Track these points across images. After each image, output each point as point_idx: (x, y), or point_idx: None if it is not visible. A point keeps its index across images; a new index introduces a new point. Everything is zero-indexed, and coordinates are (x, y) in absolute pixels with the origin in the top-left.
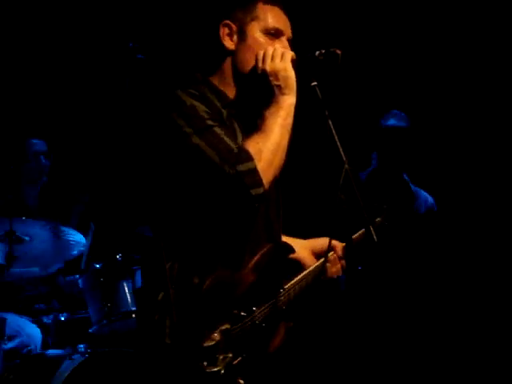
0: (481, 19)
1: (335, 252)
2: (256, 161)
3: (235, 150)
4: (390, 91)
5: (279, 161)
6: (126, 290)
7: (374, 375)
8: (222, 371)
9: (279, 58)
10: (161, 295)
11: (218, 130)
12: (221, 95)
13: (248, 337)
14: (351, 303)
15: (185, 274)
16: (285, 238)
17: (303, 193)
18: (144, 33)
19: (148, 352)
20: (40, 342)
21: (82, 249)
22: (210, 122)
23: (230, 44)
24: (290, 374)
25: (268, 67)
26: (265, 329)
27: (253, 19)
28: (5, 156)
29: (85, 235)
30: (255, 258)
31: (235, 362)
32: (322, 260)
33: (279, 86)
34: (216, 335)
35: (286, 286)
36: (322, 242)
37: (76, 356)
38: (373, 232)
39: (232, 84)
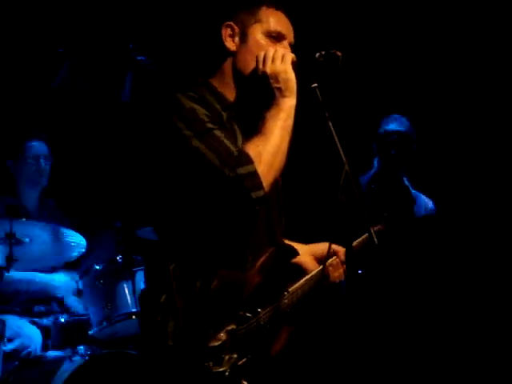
0: (481, 22)
1: (338, 257)
2: (256, 164)
3: (235, 153)
4: (390, 92)
5: (279, 163)
6: (127, 292)
7: (374, 378)
8: (228, 371)
9: (280, 60)
10: (163, 297)
11: (217, 132)
12: (220, 98)
13: (253, 338)
14: (351, 307)
15: (187, 277)
16: (287, 243)
17: (303, 194)
18: (145, 34)
19: (150, 354)
20: (40, 344)
21: (82, 250)
22: (209, 125)
23: (231, 45)
24: (292, 377)
25: (268, 69)
26: (268, 331)
27: (255, 22)
28: (4, 157)
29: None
30: (261, 260)
31: (240, 362)
32: (323, 266)
33: (279, 88)
34: (222, 335)
35: (290, 289)
36: (323, 247)
37: (76, 358)
38: (373, 234)
39: (232, 86)
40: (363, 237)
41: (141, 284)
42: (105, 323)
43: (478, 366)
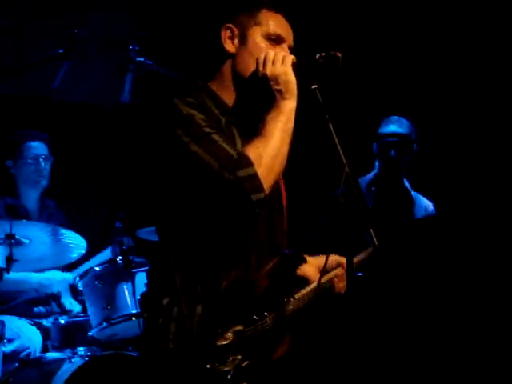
0: (481, 22)
1: (342, 267)
2: (256, 166)
3: (235, 156)
4: (390, 94)
5: (279, 166)
6: (127, 293)
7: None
8: (232, 372)
9: (280, 62)
10: (165, 300)
11: (216, 136)
12: (219, 102)
13: (257, 341)
14: (351, 317)
15: (189, 280)
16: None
17: (303, 195)
18: (145, 35)
19: (151, 356)
20: (40, 345)
21: (82, 251)
22: (207, 130)
23: (230, 47)
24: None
25: (269, 71)
26: (272, 336)
27: (255, 24)
28: (3, 158)
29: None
30: (270, 264)
31: (243, 364)
32: (330, 275)
33: (280, 91)
34: (229, 335)
35: (296, 296)
36: (329, 259)
37: (76, 359)
38: (373, 235)
39: (231, 88)
40: (365, 252)
41: (141, 285)
42: (104, 324)
43: (477, 367)
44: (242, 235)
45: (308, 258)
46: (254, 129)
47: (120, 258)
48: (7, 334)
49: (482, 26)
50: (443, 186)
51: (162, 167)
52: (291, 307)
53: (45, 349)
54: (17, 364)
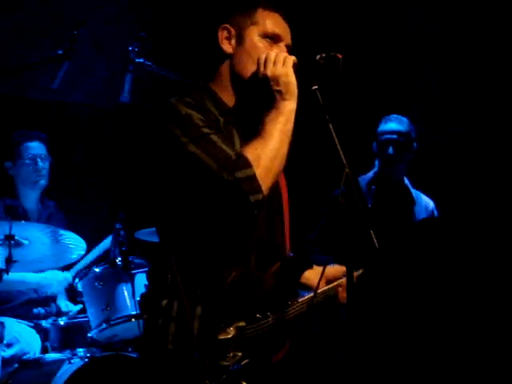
0: (482, 22)
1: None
2: (254, 167)
3: (233, 157)
4: (390, 94)
5: (278, 167)
6: (126, 294)
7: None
8: (231, 368)
9: (281, 63)
10: (165, 301)
11: (214, 137)
12: (219, 103)
13: (258, 341)
14: (351, 327)
15: (188, 280)
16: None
17: (303, 196)
18: (144, 36)
19: (150, 357)
20: (39, 349)
21: (81, 252)
22: (205, 130)
23: (228, 47)
24: None
25: (269, 72)
26: (272, 338)
27: (252, 23)
28: (2, 159)
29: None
30: (278, 264)
31: (243, 362)
32: (334, 284)
33: (280, 92)
34: (232, 329)
35: (300, 300)
36: (334, 270)
37: (75, 360)
38: (373, 236)
39: (230, 89)
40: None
41: (140, 286)
42: (104, 325)
43: (478, 369)
44: (241, 236)
45: (315, 267)
46: (254, 129)
47: (119, 259)
48: (6, 338)
49: (482, 25)
50: (444, 184)
51: (160, 168)
52: (293, 311)
53: (44, 350)
54: (16, 365)
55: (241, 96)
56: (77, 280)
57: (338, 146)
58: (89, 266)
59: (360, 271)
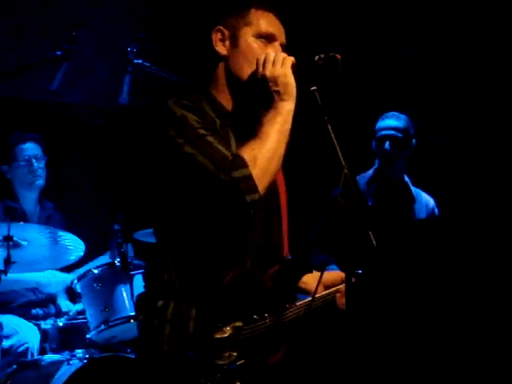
0: (481, 21)
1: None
2: (251, 167)
3: (229, 157)
4: (390, 94)
5: (275, 167)
6: (125, 295)
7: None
8: (225, 367)
9: (280, 64)
10: (160, 302)
11: (210, 138)
12: (216, 105)
13: (254, 342)
14: (350, 334)
15: (183, 282)
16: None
17: (302, 197)
18: (143, 37)
19: (146, 358)
20: (38, 341)
21: (80, 254)
22: (201, 131)
23: (222, 49)
24: None
25: (268, 72)
26: (270, 340)
27: (245, 24)
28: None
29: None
30: (277, 266)
31: (238, 362)
32: (332, 289)
33: (278, 92)
34: (228, 329)
35: (298, 303)
36: (333, 276)
37: (74, 361)
38: (372, 237)
39: (226, 91)
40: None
41: (139, 287)
42: (103, 326)
43: (478, 369)
44: (238, 236)
45: (314, 272)
46: (250, 131)
47: (118, 260)
48: (5, 331)
49: (481, 24)
50: (444, 184)
51: (157, 169)
52: (291, 314)
53: (43, 351)
54: (15, 366)
55: (238, 98)
56: (75, 281)
57: (337, 147)
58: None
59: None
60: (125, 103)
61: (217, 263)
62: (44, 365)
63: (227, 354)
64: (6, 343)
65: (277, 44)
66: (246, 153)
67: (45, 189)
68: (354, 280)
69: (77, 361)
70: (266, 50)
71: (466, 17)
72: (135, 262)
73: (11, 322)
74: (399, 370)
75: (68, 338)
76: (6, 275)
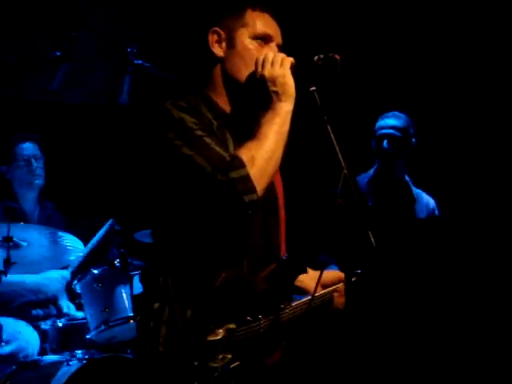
0: (481, 21)
1: (344, 283)
2: (248, 168)
3: (227, 158)
4: (389, 95)
5: (273, 168)
6: (124, 296)
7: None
8: (219, 369)
9: (279, 64)
10: (157, 304)
11: (207, 139)
12: (213, 107)
13: (249, 344)
14: (350, 334)
15: (179, 283)
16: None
17: (302, 197)
18: (143, 37)
19: (143, 359)
20: (38, 347)
21: (79, 254)
22: (199, 133)
23: (218, 51)
24: None
25: (267, 72)
26: (265, 341)
27: (242, 26)
28: None
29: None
30: (271, 267)
31: (233, 365)
32: (330, 289)
33: (277, 93)
34: (221, 331)
35: (293, 304)
36: (330, 274)
37: (74, 362)
38: (371, 237)
39: (223, 92)
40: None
41: (139, 288)
42: (103, 327)
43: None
44: (236, 237)
45: (310, 271)
46: (248, 133)
47: (118, 260)
48: (5, 336)
49: (481, 23)
50: (443, 184)
51: (155, 171)
52: (287, 314)
53: (43, 351)
54: (15, 367)
55: (235, 99)
56: (75, 281)
57: (336, 147)
58: (87, 262)
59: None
60: (125, 103)
61: (214, 265)
62: (44, 365)
63: (221, 356)
64: (6, 349)
65: (273, 45)
66: (244, 153)
67: (44, 189)
68: (354, 279)
69: (76, 361)
70: (262, 51)
71: (467, 17)
72: (135, 262)
73: (11, 326)
74: (399, 369)
75: (68, 338)
76: (6, 276)
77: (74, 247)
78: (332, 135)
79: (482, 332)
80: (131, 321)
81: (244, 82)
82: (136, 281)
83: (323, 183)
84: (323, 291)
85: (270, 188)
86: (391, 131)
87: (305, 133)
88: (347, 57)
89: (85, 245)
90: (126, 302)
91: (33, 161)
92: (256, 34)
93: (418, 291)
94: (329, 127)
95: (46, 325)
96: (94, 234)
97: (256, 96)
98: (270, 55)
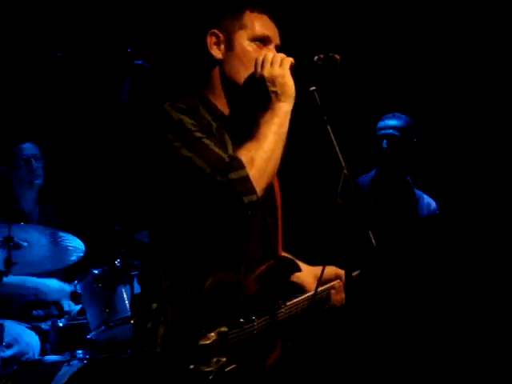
0: (481, 21)
1: (341, 280)
2: (248, 169)
3: (226, 159)
4: (389, 95)
5: (272, 169)
6: (125, 296)
7: None
8: (213, 373)
9: (278, 64)
10: (155, 305)
11: (206, 141)
12: (212, 108)
13: (244, 346)
14: (350, 331)
15: (178, 283)
16: (290, 257)
17: (301, 198)
18: (143, 38)
19: (140, 359)
20: (38, 350)
21: (80, 254)
22: (198, 134)
23: (217, 53)
24: None
25: (266, 72)
26: (261, 342)
27: (240, 27)
28: None
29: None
30: (260, 269)
31: (228, 368)
32: (327, 286)
33: (276, 93)
34: (213, 335)
35: (288, 303)
36: (328, 270)
37: (74, 362)
38: (372, 237)
39: (222, 94)
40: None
41: (140, 288)
42: (103, 327)
43: (478, 368)
44: (235, 238)
45: (306, 267)
46: (247, 134)
47: (119, 260)
48: (6, 339)
49: (481, 24)
50: (443, 184)
51: (154, 172)
52: (282, 314)
53: (43, 352)
54: (16, 367)
55: (233, 102)
56: (76, 282)
57: (336, 147)
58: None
59: (357, 272)
60: (125, 103)
61: (211, 266)
62: (44, 365)
63: (215, 360)
64: (7, 353)
65: (272, 46)
66: (243, 154)
67: (44, 189)
68: (355, 274)
69: (77, 361)
70: (261, 53)
71: (466, 17)
72: (136, 262)
73: (12, 329)
74: (399, 369)
75: (68, 338)
76: (7, 276)
77: (75, 247)
78: (332, 135)
79: (481, 332)
80: (131, 321)
81: (243, 84)
82: (137, 281)
83: (323, 183)
84: (319, 289)
85: (269, 188)
86: (390, 131)
87: (305, 133)
88: (347, 57)
89: (85, 245)
90: (127, 302)
91: (33, 161)
92: (255, 36)
93: (417, 291)
94: (329, 127)
95: (46, 325)
96: (94, 234)
97: (255, 98)
98: (270, 55)
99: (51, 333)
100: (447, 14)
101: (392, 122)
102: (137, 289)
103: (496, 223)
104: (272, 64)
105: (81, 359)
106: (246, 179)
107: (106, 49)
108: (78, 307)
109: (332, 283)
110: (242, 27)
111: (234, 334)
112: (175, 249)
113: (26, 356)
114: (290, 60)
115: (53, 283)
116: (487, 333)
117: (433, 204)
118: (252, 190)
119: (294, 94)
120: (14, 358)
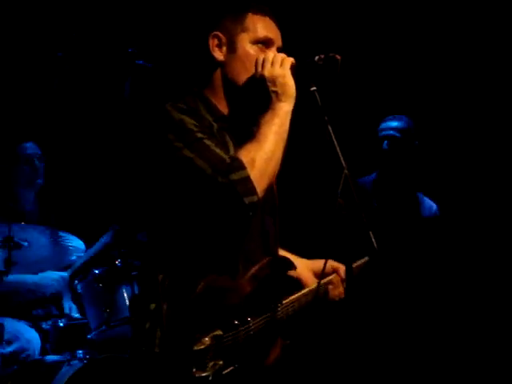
0: (481, 22)
1: (338, 274)
2: (249, 169)
3: (227, 160)
4: (390, 96)
5: (273, 169)
6: (126, 296)
7: None
8: (210, 378)
9: (279, 64)
10: (153, 305)
11: (207, 141)
12: (213, 109)
13: (241, 347)
14: (349, 326)
15: (176, 285)
16: (288, 256)
17: (302, 198)
18: (144, 38)
19: (138, 360)
20: (39, 347)
21: (80, 254)
22: (199, 135)
23: (219, 55)
24: None
25: (267, 72)
26: (259, 342)
27: (242, 30)
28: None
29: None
30: (254, 269)
31: (226, 371)
32: (324, 280)
33: (276, 93)
34: (207, 339)
35: (285, 302)
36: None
37: (74, 362)
38: (372, 238)
39: (223, 97)
40: (363, 260)
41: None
42: (104, 327)
43: (478, 368)
44: (235, 239)
45: (304, 261)
46: (247, 136)
47: (119, 260)
48: (6, 336)
49: (482, 25)
50: (443, 184)
51: (154, 173)
52: (279, 312)
53: (44, 351)
54: (16, 367)
55: (234, 103)
56: (76, 281)
57: (337, 148)
58: (87, 264)
59: (359, 262)
60: (125, 103)
61: (209, 268)
62: (45, 365)
63: (212, 364)
64: (7, 350)
65: (274, 48)
66: (244, 155)
67: (43, 189)
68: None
69: (77, 361)
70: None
71: (468, 18)
72: (136, 262)
73: (12, 327)
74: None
75: (69, 338)
76: (7, 276)
77: (75, 247)
78: (333, 135)
79: (481, 332)
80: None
81: (244, 86)
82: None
83: (324, 184)
84: (316, 285)
85: (269, 189)
86: (391, 132)
87: (305, 133)
88: (348, 57)
89: (85, 245)
90: (127, 302)
91: (35, 160)
92: (257, 39)
93: (418, 291)
94: (329, 127)
95: (46, 325)
96: (93, 235)
97: (256, 100)
98: (271, 55)
99: (51, 332)
100: (450, 15)
101: (393, 124)
102: (137, 289)
103: (496, 224)
104: (273, 64)
105: (81, 359)
106: (247, 180)
107: (107, 49)
108: (78, 315)
109: (329, 278)
110: (245, 30)
111: (230, 336)
112: (174, 249)
113: (27, 353)
114: (291, 60)
115: (51, 274)
116: (487, 333)
117: (434, 207)
118: (253, 191)
119: (294, 94)
120: (15, 355)
